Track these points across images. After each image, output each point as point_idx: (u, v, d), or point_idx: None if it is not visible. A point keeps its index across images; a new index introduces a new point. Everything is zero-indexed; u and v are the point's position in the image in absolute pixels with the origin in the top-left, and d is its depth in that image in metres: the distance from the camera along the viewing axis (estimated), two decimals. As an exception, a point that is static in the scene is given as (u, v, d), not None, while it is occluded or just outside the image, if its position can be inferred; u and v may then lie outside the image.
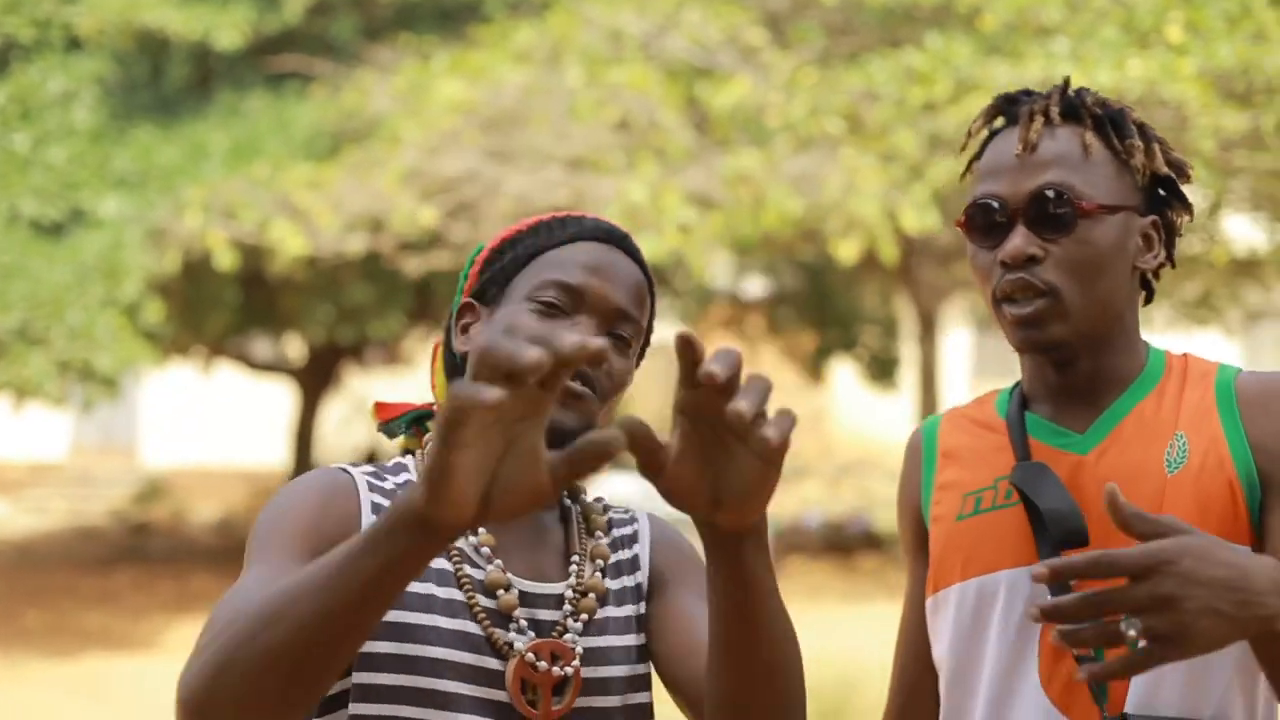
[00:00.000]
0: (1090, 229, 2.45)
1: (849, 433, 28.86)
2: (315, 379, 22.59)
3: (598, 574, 2.37)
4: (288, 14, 17.71)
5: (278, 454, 26.54)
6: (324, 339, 19.73)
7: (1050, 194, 2.44)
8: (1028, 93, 2.60)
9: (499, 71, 15.62)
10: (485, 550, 2.30)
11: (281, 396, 27.01)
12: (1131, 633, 1.98)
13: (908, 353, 23.42)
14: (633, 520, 2.50)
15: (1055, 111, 2.51)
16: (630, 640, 2.37)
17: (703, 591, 2.39)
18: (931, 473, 2.59)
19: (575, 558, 2.38)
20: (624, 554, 2.45)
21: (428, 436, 2.44)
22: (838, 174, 14.47)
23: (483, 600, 2.27)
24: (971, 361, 28.96)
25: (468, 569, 2.28)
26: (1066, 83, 2.56)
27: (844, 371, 26.40)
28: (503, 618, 2.27)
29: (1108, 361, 2.51)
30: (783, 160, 14.68)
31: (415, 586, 2.24)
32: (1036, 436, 2.52)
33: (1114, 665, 2.03)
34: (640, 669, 2.38)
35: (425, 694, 2.23)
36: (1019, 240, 2.44)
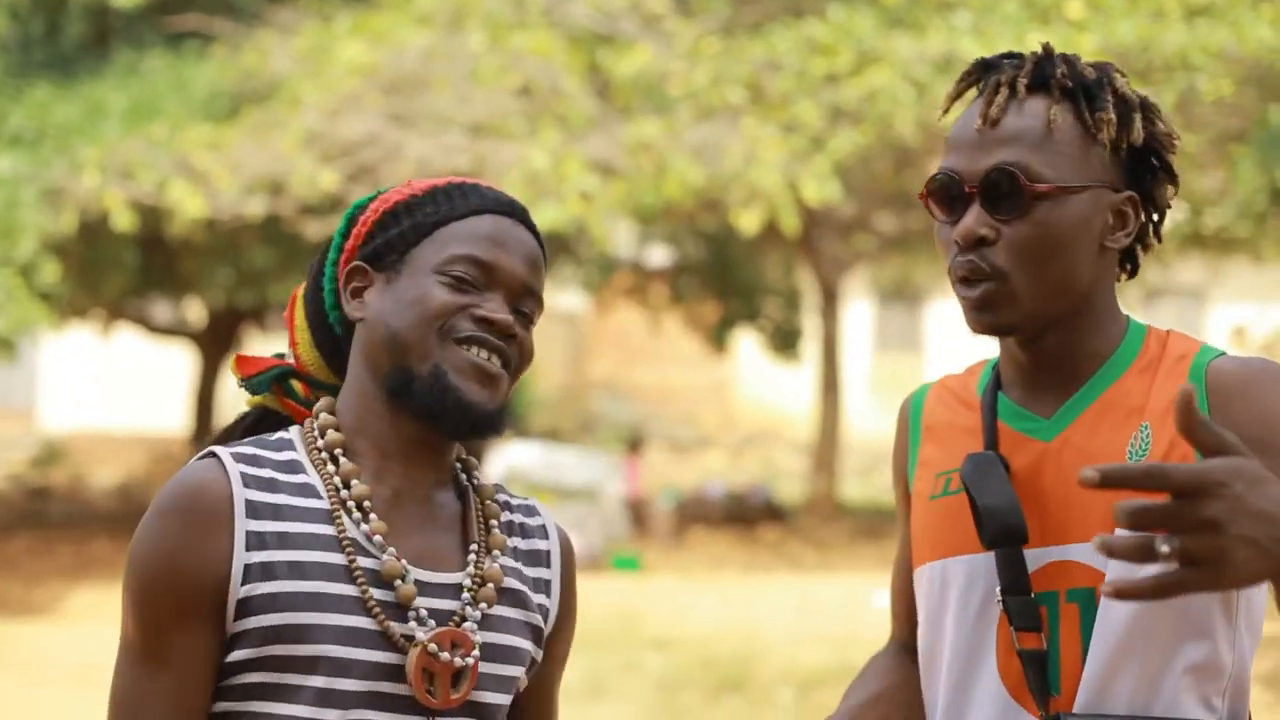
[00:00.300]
0: (1046, 210, 2.37)
1: (752, 403, 28.95)
2: (216, 343, 22.42)
3: (495, 564, 2.34)
4: (188, -28, 17.54)
5: (179, 418, 26.34)
6: (224, 302, 19.58)
7: (1003, 174, 2.37)
8: (1009, 56, 2.49)
9: (401, 34, 15.53)
10: (378, 539, 2.27)
11: (182, 360, 26.80)
12: (1165, 549, 1.85)
13: (810, 324, 23.50)
14: (535, 512, 2.48)
15: (1022, 83, 2.41)
16: (526, 645, 2.37)
17: (564, 656, 2.46)
18: (916, 445, 2.56)
19: (474, 546, 2.35)
20: (530, 544, 2.43)
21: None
22: (739, 144, 14.49)
23: (377, 593, 2.24)
24: (873, 333, 29.09)
25: (360, 560, 2.25)
26: (1046, 50, 2.47)
27: (747, 342, 26.45)
28: (400, 609, 2.25)
29: (1075, 340, 2.44)
30: (685, 129, 14.68)
31: (303, 585, 2.22)
32: (1005, 420, 2.47)
33: (1143, 585, 1.86)
34: (520, 673, 2.38)
35: (321, 693, 2.22)
36: (970, 220, 2.37)
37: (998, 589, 2.37)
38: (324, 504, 2.28)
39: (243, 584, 2.20)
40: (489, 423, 2.30)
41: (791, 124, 14.79)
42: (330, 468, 2.30)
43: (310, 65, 15.82)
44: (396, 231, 2.36)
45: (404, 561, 2.27)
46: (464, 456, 2.43)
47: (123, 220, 15.54)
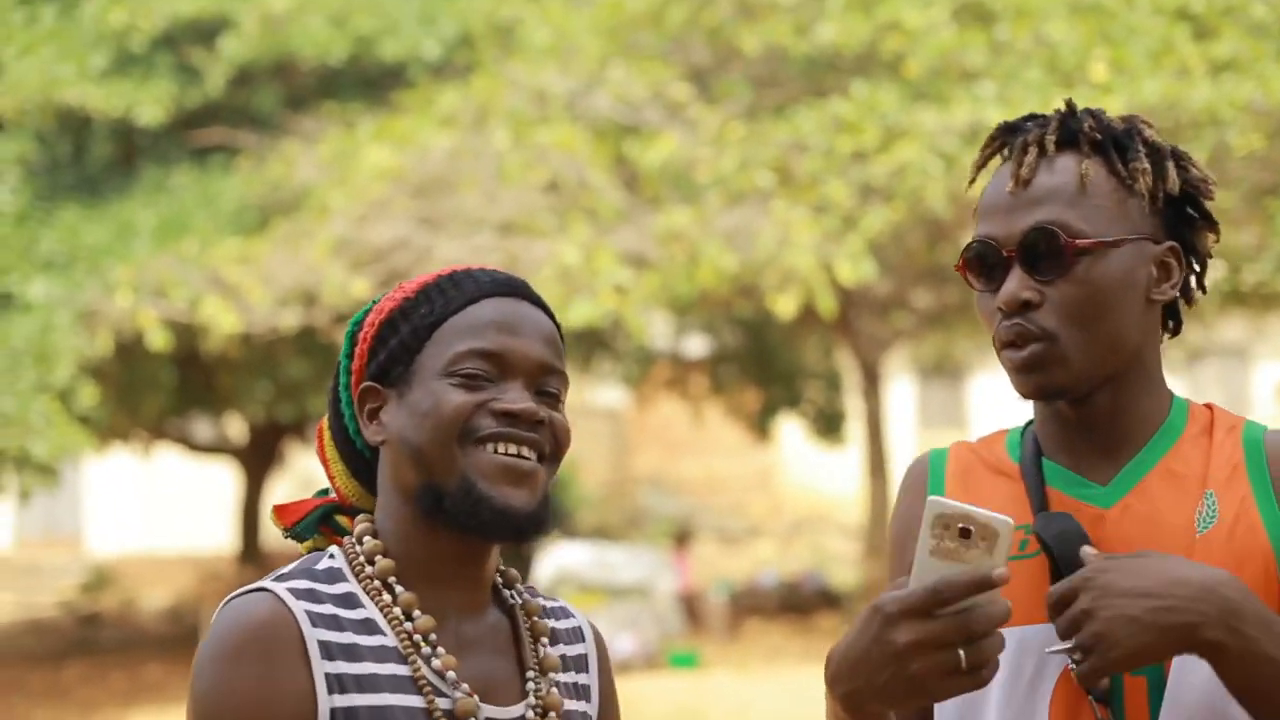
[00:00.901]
0: (1089, 267, 2.31)
1: (798, 490, 28.80)
2: (258, 458, 22.41)
3: (554, 689, 2.26)
4: (209, 86, 17.61)
5: (224, 536, 26.29)
6: (264, 417, 19.56)
7: (1041, 234, 2.32)
8: (1032, 118, 2.45)
9: (425, 137, 15.53)
10: (451, 675, 2.16)
11: (225, 477, 26.76)
12: (1063, 649, 2.13)
13: (852, 406, 23.35)
14: (568, 614, 2.39)
15: (1050, 141, 2.37)
16: None
17: None
18: None
19: (531, 674, 2.26)
20: (569, 650, 2.35)
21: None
22: (770, 227, 14.41)
23: None
24: (916, 411, 28.94)
25: (438, 701, 2.15)
26: (1070, 106, 2.43)
27: (790, 428, 26.31)
28: None
29: (1128, 402, 2.37)
30: (715, 216, 14.62)
31: (387, 699, 2.13)
32: (1055, 486, 2.38)
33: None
34: None
35: None
36: (1013, 285, 2.32)
37: (1068, 660, 2.25)
38: (388, 640, 2.17)
39: None
40: (532, 524, 2.18)
41: (822, 204, 14.71)
42: (387, 597, 2.19)
43: (336, 172, 15.83)
44: (396, 342, 2.24)
45: (475, 698, 2.18)
46: (503, 569, 2.32)
47: (158, 339, 15.53)
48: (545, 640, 2.29)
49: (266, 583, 2.16)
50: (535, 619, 2.30)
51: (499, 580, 2.31)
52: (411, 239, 15.38)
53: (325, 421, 2.37)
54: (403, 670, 2.14)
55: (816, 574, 21.37)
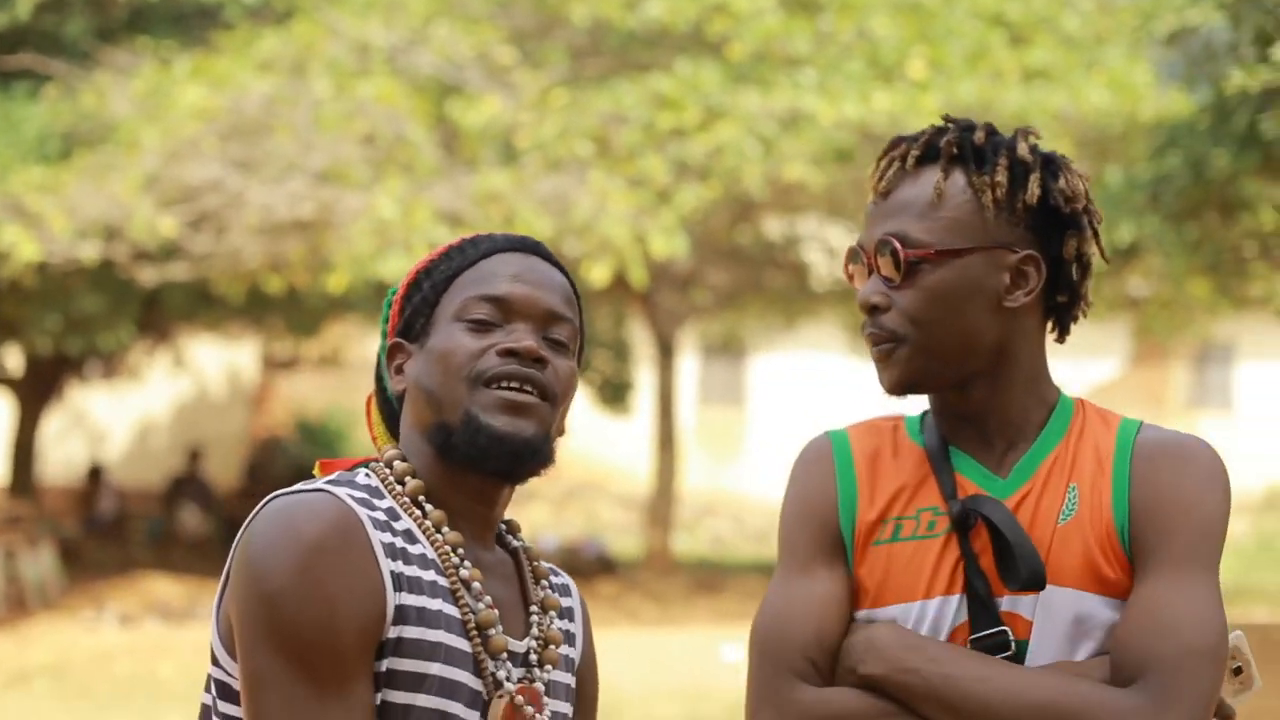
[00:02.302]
0: (930, 275, 2.49)
1: (575, 456, 28.90)
2: (35, 391, 21.86)
3: (553, 625, 2.39)
4: (19, 9, 17.15)
5: (-9, 467, 25.68)
6: (50, 349, 19.11)
7: (885, 245, 2.50)
8: (923, 132, 2.61)
9: (243, 79, 15.31)
10: (477, 585, 2.29)
11: (-3, 408, 26.15)
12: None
13: (640, 377, 23.54)
14: (558, 573, 2.51)
15: (913, 155, 2.54)
16: (566, 709, 2.41)
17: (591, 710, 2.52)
18: (851, 490, 2.57)
19: (534, 608, 2.39)
20: (561, 600, 2.47)
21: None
22: (587, 196, 14.48)
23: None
24: (697, 387, 29.21)
25: (468, 598, 2.28)
26: (946, 120, 2.59)
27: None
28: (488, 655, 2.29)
29: (1005, 397, 2.55)
30: (532, 180, 14.65)
31: (430, 603, 2.24)
32: (961, 472, 2.55)
33: None
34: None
35: (437, 715, 2.24)
36: (865, 290, 2.54)
37: (958, 625, 2.47)
38: (427, 551, 2.28)
39: (393, 625, 2.21)
40: (530, 451, 2.29)
41: (638, 177, 14.82)
42: (418, 512, 2.30)
43: (148, 108, 15.53)
44: (419, 298, 2.38)
45: (496, 611, 2.30)
46: (507, 519, 2.44)
47: (-49, 262, 15.15)
48: (545, 583, 2.42)
49: (322, 484, 2.26)
50: (536, 563, 2.43)
51: (503, 528, 2.44)
52: (223, 181, 15.17)
53: (372, 394, 2.48)
54: (441, 580, 2.26)
55: (596, 540, 21.52)
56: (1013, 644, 2.44)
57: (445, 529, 2.30)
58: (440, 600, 2.25)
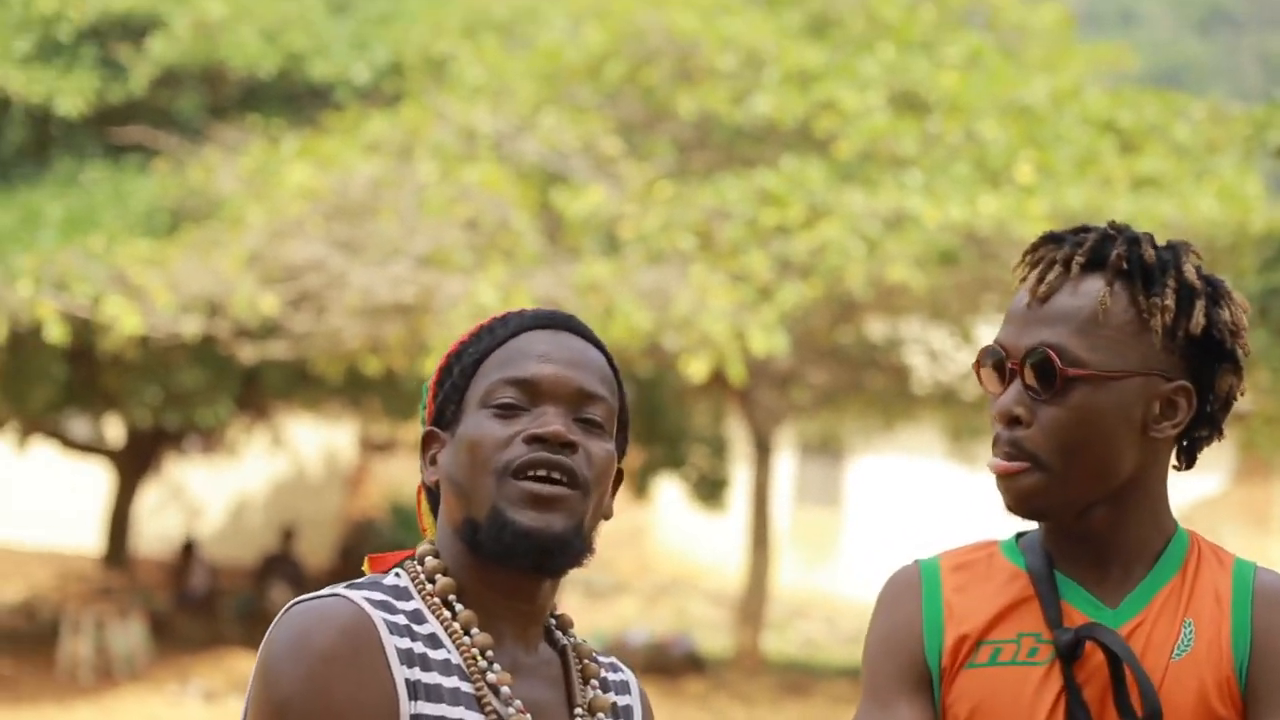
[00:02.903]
0: (1083, 395, 2.33)
1: (669, 552, 28.77)
2: (133, 463, 22.06)
3: None
4: (133, 84, 17.40)
5: (88, 537, 25.88)
6: (149, 422, 19.25)
7: (1040, 355, 2.34)
8: (1081, 231, 2.44)
9: (349, 160, 15.43)
10: (506, 690, 2.16)
11: (97, 479, 26.37)
12: None
13: (736, 474, 23.37)
14: (618, 669, 2.37)
15: (1078, 262, 2.37)
16: None
17: None
18: (938, 611, 2.45)
19: (579, 711, 2.24)
20: (618, 699, 2.33)
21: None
22: (688, 290, 14.43)
23: None
24: (794, 487, 29.03)
25: (495, 704, 2.14)
26: (1113, 227, 2.42)
27: (669, 490, 26.29)
28: None
29: (1126, 525, 2.41)
30: (634, 272, 14.63)
31: (450, 711, 2.13)
32: (1068, 600, 2.41)
33: None
34: None
35: None
36: (1008, 399, 2.36)
37: None
38: (452, 656, 2.16)
39: None
40: (559, 545, 2.15)
41: (740, 273, 14.77)
42: (447, 613, 2.18)
43: (255, 186, 15.67)
44: (450, 384, 2.25)
45: (528, 716, 2.16)
46: (558, 614, 2.31)
47: (55, 332, 15.28)
48: (595, 683, 2.27)
49: (340, 590, 2.16)
50: (586, 661, 2.28)
51: (553, 623, 2.29)
52: (326, 261, 15.25)
53: (420, 484, 2.36)
54: (465, 686, 2.13)
55: (685, 637, 21.33)
56: None
57: (475, 630, 2.18)
58: (463, 708, 2.13)
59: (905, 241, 14.61)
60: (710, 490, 22.39)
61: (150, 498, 24.47)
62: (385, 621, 2.12)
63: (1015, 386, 2.35)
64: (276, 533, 24.16)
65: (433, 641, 2.15)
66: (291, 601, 2.16)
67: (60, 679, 17.33)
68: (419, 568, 2.22)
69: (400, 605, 2.16)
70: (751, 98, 15.33)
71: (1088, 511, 2.38)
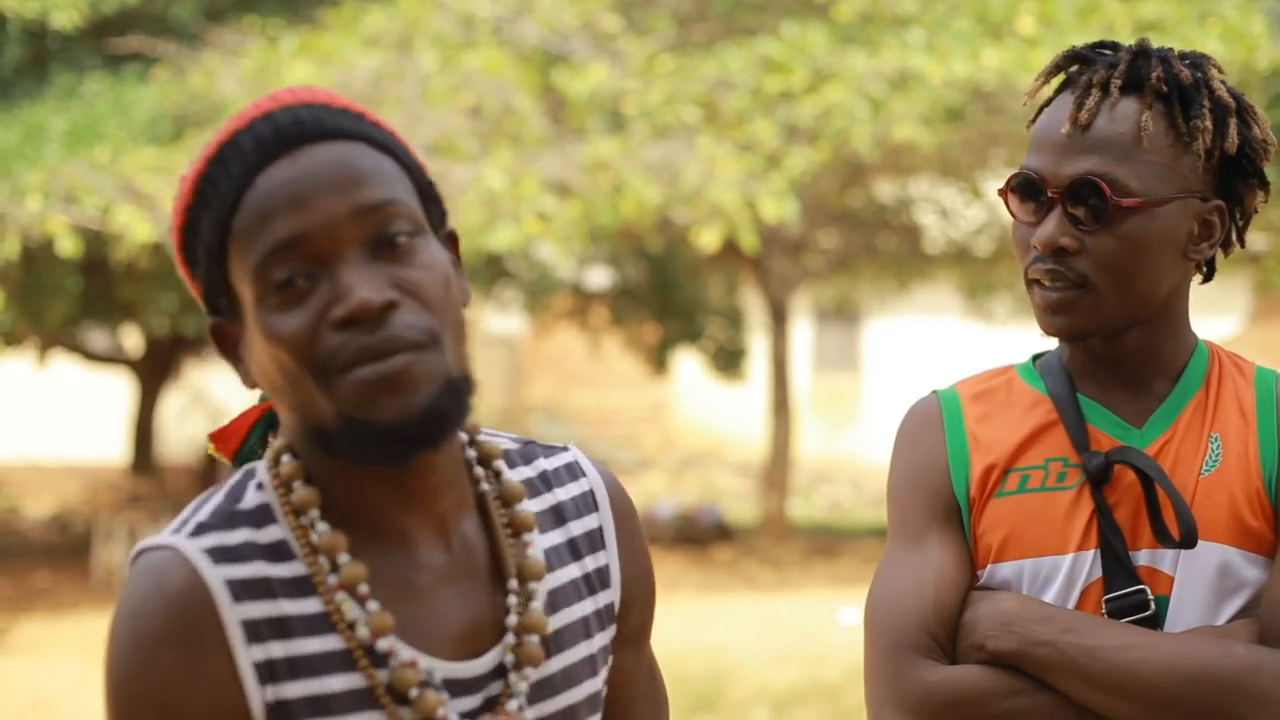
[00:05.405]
0: (1132, 223, 2.33)
1: (691, 425, 28.90)
2: (154, 371, 22.15)
3: (536, 606, 1.86)
4: (127, -7, 17.33)
5: (114, 447, 26.03)
6: (167, 329, 19.31)
7: (1089, 185, 2.32)
8: (1101, 48, 2.43)
9: (349, 55, 15.36)
10: (383, 644, 1.78)
11: (118, 388, 26.49)
12: None
13: (754, 344, 23.44)
14: (577, 471, 1.97)
15: (1116, 84, 2.35)
16: (583, 650, 1.92)
17: (645, 628, 2.00)
18: (963, 441, 2.44)
19: (513, 596, 1.86)
20: (578, 525, 1.95)
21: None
22: (695, 162, 14.41)
23: (405, 713, 1.78)
24: (812, 354, 29.09)
25: (378, 674, 1.78)
26: (1142, 46, 2.41)
27: (687, 363, 26.37)
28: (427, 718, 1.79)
29: (1156, 343, 2.41)
30: (640, 148, 14.59)
31: (331, 682, 1.78)
32: (1093, 423, 2.42)
33: None
34: (600, 684, 1.94)
35: None
36: (1051, 229, 2.34)
37: (1094, 580, 2.35)
38: (320, 603, 1.78)
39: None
40: (435, 418, 1.75)
41: (747, 142, 14.73)
42: (313, 537, 1.79)
43: (257, 87, 15.61)
44: (202, 270, 1.81)
45: (420, 664, 1.79)
46: (479, 440, 1.90)
47: (67, 246, 15.28)
48: (528, 535, 1.88)
49: (180, 540, 1.77)
50: (514, 508, 1.89)
51: (472, 455, 1.90)
52: (332, 157, 15.21)
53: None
54: (337, 642, 1.77)
55: (712, 507, 21.47)
56: (1152, 602, 2.32)
57: (343, 558, 1.78)
58: (339, 673, 1.78)
59: (910, 100, 14.56)
60: (729, 361, 22.45)
61: (173, 405, 24.56)
62: (229, 583, 1.75)
63: (1057, 216, 2.33)
64: (301, 431, 24.24)
65: (298, 588, 1.78)
66: (139, 546, 1.79)
67: (96, 588, 17.49)
68: (276, 469, 1.82)
69: (260, 538, 1.78)
70: (748, -34, 15.24)
71: (1122, 333, 2.39)
